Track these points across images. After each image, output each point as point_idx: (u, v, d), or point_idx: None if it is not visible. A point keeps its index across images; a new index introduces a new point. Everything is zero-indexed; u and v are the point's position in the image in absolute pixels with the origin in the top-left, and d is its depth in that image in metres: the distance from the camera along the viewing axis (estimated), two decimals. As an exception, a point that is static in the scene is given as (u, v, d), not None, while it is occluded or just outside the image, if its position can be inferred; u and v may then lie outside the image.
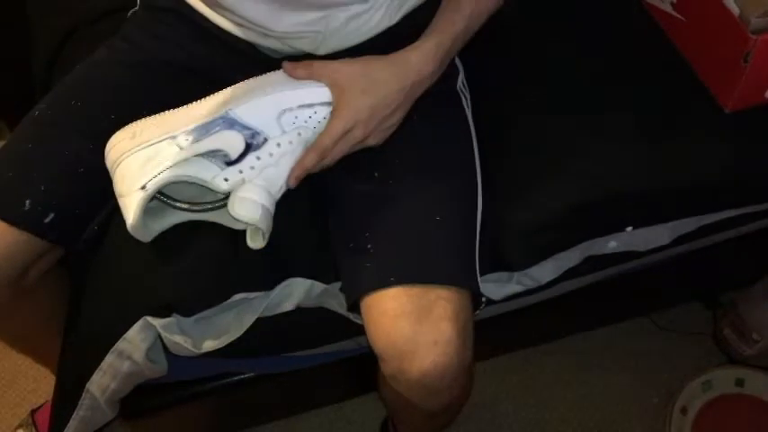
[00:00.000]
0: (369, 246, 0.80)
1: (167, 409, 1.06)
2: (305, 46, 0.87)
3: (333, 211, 0.86)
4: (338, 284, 0.86)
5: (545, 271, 0.95)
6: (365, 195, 0.83)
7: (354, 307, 0.82)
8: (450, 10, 0.85)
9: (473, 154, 0.91)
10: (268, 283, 0.86)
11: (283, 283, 0.86)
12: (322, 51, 0.88)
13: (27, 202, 0.83)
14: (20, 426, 1.29)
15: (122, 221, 0.79)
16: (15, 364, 1.41)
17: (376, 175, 0.81)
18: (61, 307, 0.94)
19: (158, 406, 1.05)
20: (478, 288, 0.83)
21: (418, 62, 0.82)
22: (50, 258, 0.91)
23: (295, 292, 0.87)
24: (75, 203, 0.86)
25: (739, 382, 1.28)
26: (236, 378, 1.06)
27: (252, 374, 1.06)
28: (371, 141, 0.83)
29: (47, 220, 0.84)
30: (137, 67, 0.91)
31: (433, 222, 0.81)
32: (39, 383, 1.40)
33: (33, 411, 1.29)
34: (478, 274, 0.84)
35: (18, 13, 1.29)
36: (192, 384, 1.05)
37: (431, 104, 0.88)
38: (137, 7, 0.99)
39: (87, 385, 0.87)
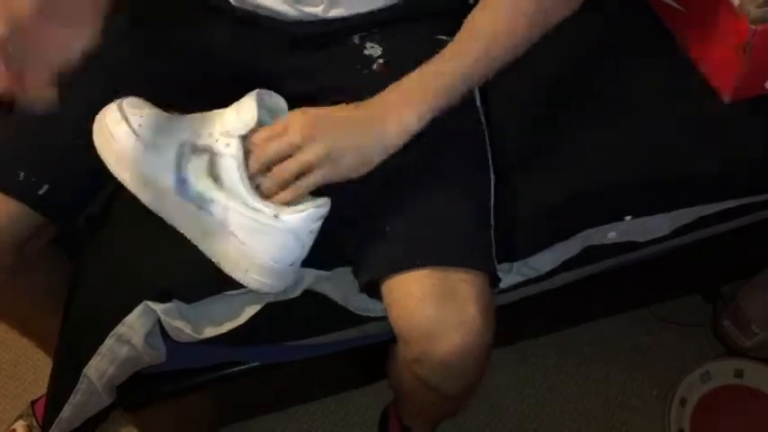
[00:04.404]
0: (387, 228, 0.79)
1: (168, 399, 1.06)
2: (314, 6, 0.85)
3: (344, 195, 0.81)
4: (339, 270, 0.86)
5: (545, 260, 0.95)
6: (382, 180, 0.81)
7: (367, 288, 0.82)
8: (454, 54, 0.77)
9: (485, 143, 0.90)
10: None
11: None
12: (332, 13, 0.86)
13: (21, 173, 0.83)
14: (20, 416, 1.29)
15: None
16: (16, 356, 1.42)
17: (391, 162, 0.80)
18: (60, 289, 0.94)
19: (159, 396, 1.05)
20: (496, 271, 0.83)
21: (392, 137, 0.76)
22: (46, 236, 0.91)
23: (301, 284, 0.86)
24: (71, 177, 0.86)
25: (738, 374, 1.28)
26: (236, 369, 1.06)
27: (252, 365, 1.06)
28: (319, 171, 0.75)
29: (41, 192, 0.83)
30: (137, 39, 0.90)
31: (450, 208, 0.81)
32: (39, 374, 1.40)
33: (33, 402, 1.30)
34: (495, 258, 0.84)
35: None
36: (192, 375, 1.05)
37: None
38: None
39: (84, 370, 0.87)
